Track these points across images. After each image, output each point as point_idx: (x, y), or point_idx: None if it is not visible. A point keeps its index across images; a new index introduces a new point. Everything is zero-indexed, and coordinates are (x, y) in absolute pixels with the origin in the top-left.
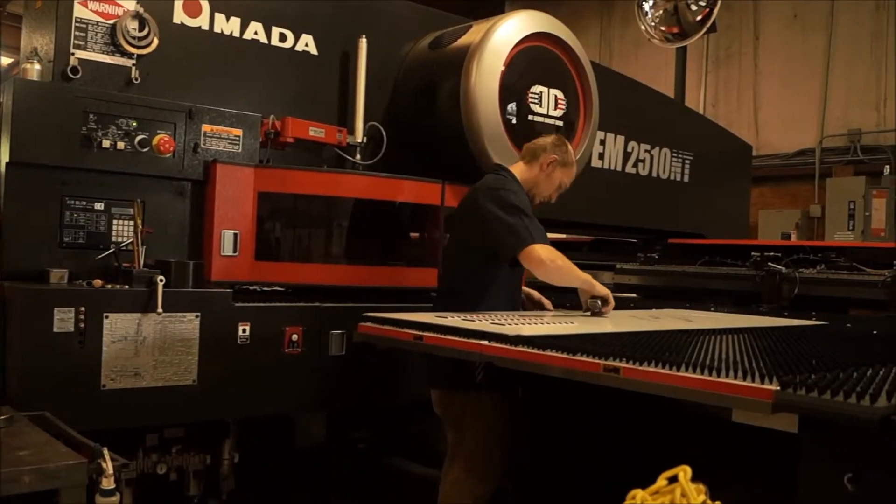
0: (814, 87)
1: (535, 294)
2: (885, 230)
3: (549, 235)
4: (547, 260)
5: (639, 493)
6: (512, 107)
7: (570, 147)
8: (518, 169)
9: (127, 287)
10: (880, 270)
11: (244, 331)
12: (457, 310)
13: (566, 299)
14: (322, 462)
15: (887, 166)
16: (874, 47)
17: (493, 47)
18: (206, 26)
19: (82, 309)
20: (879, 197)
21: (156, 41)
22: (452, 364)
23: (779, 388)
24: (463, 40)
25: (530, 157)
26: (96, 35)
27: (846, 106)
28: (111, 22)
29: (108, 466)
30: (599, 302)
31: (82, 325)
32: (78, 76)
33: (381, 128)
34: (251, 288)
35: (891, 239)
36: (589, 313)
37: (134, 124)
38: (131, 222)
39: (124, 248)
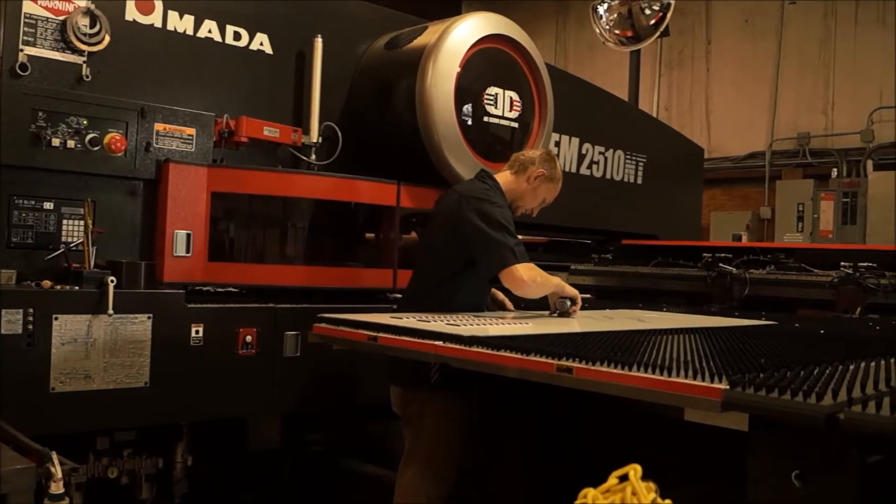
0: (764, 91)
1: (499, 295)
2: (833, 232)
3: None
4: (529, 280)
5: (590, 492)
6: (467, 108)
7: (558, 163)
8: (503, 178)
9: (77, 288)
10: (828, 271)
11: (197, 332)
12: (422, 311)
13: (530, 301)
14: (276, 464)
15: (835, 169)
16: (822, 53)
17: (448, 48)
18: (158, 24)
19: (31, 310)
20: (827, 199)
21: (107, 38)
22: (413, 362)
23: (728, 387)
24: (419, 41)
25: (518, 168)
26: (46, 31)
27: (795, 110)
28: (61, 18)
29: (57, 471)
30: (568, 302)
31: (31, 326)
32: (27, 73)
33: (337, 128)
34: (204, 289)
35: (838, 241)
36: (556, 314)
37: (84, 123)
38: (81, 222)
39: (74, 248)
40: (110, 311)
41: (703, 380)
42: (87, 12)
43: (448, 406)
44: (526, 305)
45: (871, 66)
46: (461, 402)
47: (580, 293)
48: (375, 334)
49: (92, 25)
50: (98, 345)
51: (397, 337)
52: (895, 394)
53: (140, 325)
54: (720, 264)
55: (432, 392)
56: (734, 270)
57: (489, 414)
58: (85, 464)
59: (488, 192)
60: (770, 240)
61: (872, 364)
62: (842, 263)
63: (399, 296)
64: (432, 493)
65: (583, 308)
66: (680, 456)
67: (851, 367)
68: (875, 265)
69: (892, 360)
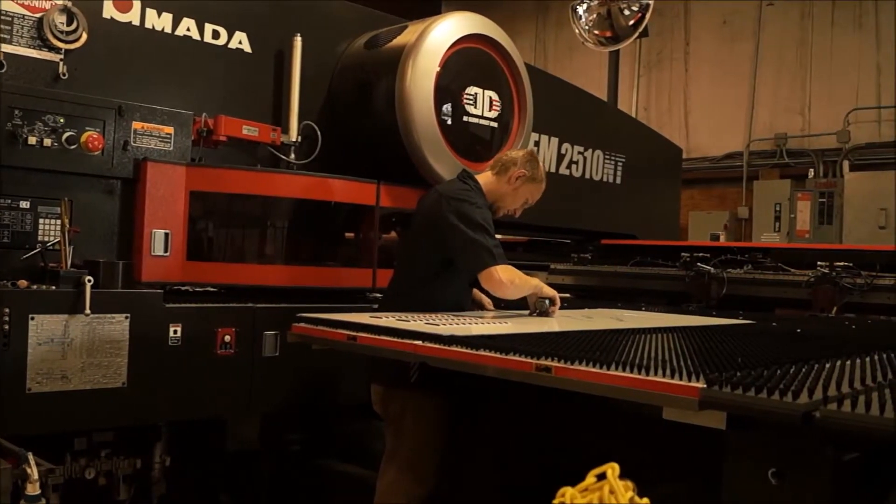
0: (742, 92)
1: (478, 295)
2: (810, 232)
3: None
4: (507, 281)
5: (568, 491)
6: (447, 107)
7: (540, 164)
8: (485, 178)
9: (54, 288)
10: (804, 271)
11: (175, 332)
12: (402, 311)
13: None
14: (255, 465)
15: (811, 170)
16: (800, 54)
17: (428, 48)
18: (137, 22)
19: (7, 310)
20: (804, 199)
21: (85, 36)
22: (394, 361)
23: (705, 385)
24: (398, 40)
25: (499, 169)
26: (22, 28)
27: (772, 111)
28: (38, 15)
29: (34, 472)
30: (547, 302)
31: (6, 326)
32: (3, 71)
33: (316, 127)
34: (183, 288)
35: (815, 240)
36: (536, 313)
37: (61, 121)
38: (58, 221)
39: (51, 247)
40: (87, 311)
41: (681, 379)
42: (64, 10)
43: (429, 405)
44: (506, 305)
45: (848, 67)
46: (442, 402)
47: (559, 293)
48: (354, 334)
49: (69, 23)
50: (75, 345)
51: (376, 336)
52: (870, 392)
53: (117, 325)
54: (698, 264)
55: (413, 391)
56: (712, 270)
57: (464, 412)
58: (62, 465)
59: (468, 193)
60: (747, 239)
61: (848, 363)
62: (818, 263)
63: (379, 295)
64: (413, 493)
65: (562, 308)
66: (658, 455)
67: (827, 365)
68: (851, 265)
69: (868, 359)
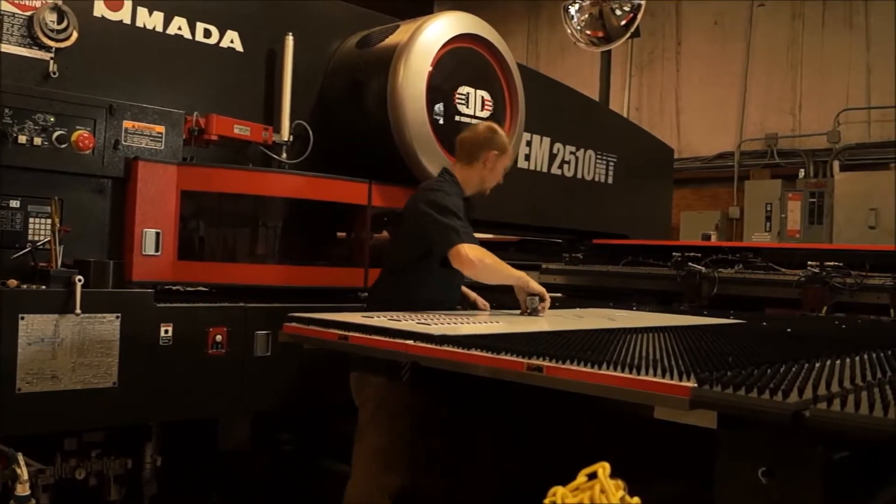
0: (733, 92)
1: (472, 294)
2: (800, 232)
3: (476, 235)
4: (475, 259)
5: (559, 490)
6: (439, 107)
7: (500, 130)
8: (459, 171)
9: (44, 287)
10: (795, 270)
11: (166, 332)
12: (392, 308)
13: (507, 300)
14: (247, 464)
15: (802, 170)
16: (790, 55)
17: (420, 48)
18: (128, 20)
19: None
20: (795, 199)
21: (75, 34)
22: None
23: (696, 385)
24: (390, 40)
25: (468, 158)
26: (12, 27)
27: (763, 111)
28: (28, 14)
29: (24, 472)
30: (537, 299)
31: None
32: None
33: (308, 126)
34: (174, 288)
35: (805, 240)
36: (528, 312)
37: (52, 120)
38: (48, 220)
39: (41, 247)
40: (78, 311)
41: (672, 378)
42: (55, 8)
43: (402, 396)
44: (499, 305)
45: (838, 67)
46: (417, 396)
47: (551, 292)
48: (346, 333)
49: (59, 21)
50: (65, 345)
51: (368, 336)
52: (860, 391)
53: (108, 325)
54: (689, 263)
55: (387, 380)
56: (703, 269)
57: (459, 411)
58: (52, 465)
59: (441, 184)
60: (738, 239)
61: (838, 362)
62: (809, 263)
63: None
64: (385, 484)
65: (553, 307)
66: (649, 454)
67: (817, 365)
68: (841, 264)
69: (857, 358)
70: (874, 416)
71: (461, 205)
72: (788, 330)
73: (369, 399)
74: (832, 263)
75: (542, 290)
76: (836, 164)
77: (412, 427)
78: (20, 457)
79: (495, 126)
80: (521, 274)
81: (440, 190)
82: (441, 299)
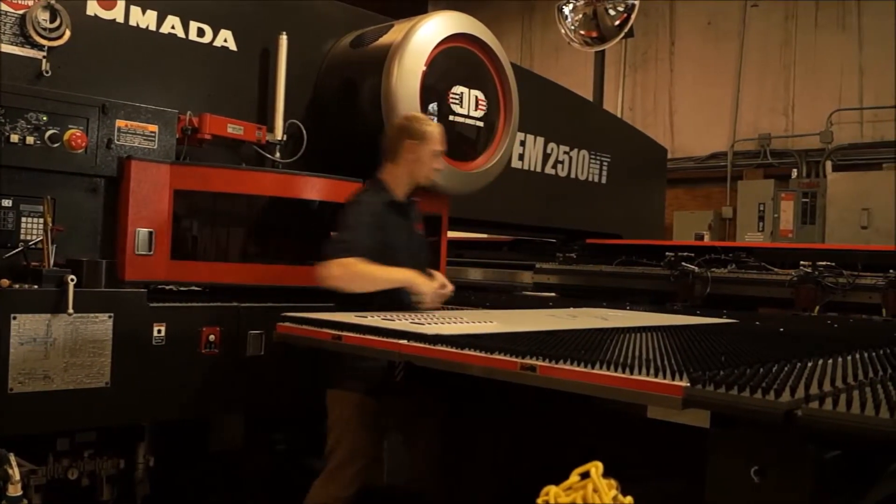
0: (726, 92)
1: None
2: (793, 231)
3: (470, 235)
4: (335, 276)
5: (552, 490)
6: (433, 107)
7: (418, 118)
8: (387, 171)
9: (36, 287)
10: (787, 270)
11: (159, 332)
12: (353, 307)
13: (487, 299)
14: (240, 465)
15: (795, 170)
16: (783, 55)
17: (414, 47)
18: (121, 19)
19: None
20: (787, 199)
21: (68, 33)
22: (333, 361)
23: (689, 384)
24: (384, 39)
25: (392, 156)
26: (5, 25)
27: (756, 111)
28: (21, 12)
29: (15, 472)
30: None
31: None
32: None
33: (302, 126)
34: (167, 288)
35: (798, 240)
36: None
37: (44, 119)
38: (41, 220)
39: (33, 246)
40: (70, 311)
41: (665, 378)
42: (47, 6)
43: (350, 405)
44: (493, 304)
45: (831, 68)
46: (369, 403)
47: (545, 291)
48: (339, 333)
49: (52, 20)
50: (58, 344)
51: (361, 336)
52: (852, 391)
53: (101, 325)
54: (683, 263)
55: (344, 392)
56: (696, 269)
57: (457, 412)
58: (44, 465)
59: (359, 195)
60: (731, 239)
61: (830, 361)
62: (801, 262)
63: None
64: (332, 495)
65: (547, 306)
66: (643, 453)
67: (809, 364)
68: (833, 264)
69: (849, 358)
70: (865, 415)
71: (369, 210)
72: (781, 329)
73: (329, 411)
74: (824, 263)
75: (429, 286)
76: (828, 164)
77: (372, 439)
78: (12, 457)
79: (412, 115)
80: (405, 277)
81: (353, 202)
82: (397, 300)
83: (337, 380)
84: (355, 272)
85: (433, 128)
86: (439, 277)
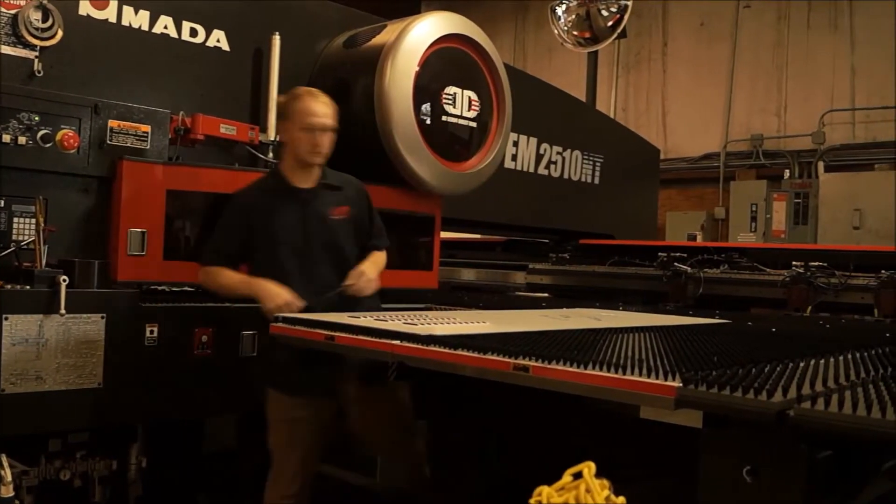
0: (719, 93)
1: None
2: (785, 232)
3: (463, 236)
4: (203, 283)
5: (545, 490)
6: (426, 107)
7: (292, 92)
8: (283, 155)
9: (28, 287)
10: (780, 271)
11: (152, 332)
12: None
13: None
14: (233, 465)
15: (787, 170)
16: (775, 56)
17: (407, 47)
18: (113, 19)
19: None
20: (780, 200)
21: (60, 33)
22: (269, 359)
23: (681, 384)
24: (377, 40)
25: (282, 138)
26: None
27: (749, 112)
28: (13, 12)
29: (7, 473)
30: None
31: None
32: None
33: None
34: (159, 288)
35: (790, 240)
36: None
37: (36, 119)
38: (33, 220)
39: (25, 246)
40: (62, 311)
41: (657, 378)
42: (40, 6)
43: (288, 408)
44: (486, 304)
45: (823, 69)
46: (301, 406)
47: (538, 292)
48: (332, 333)
49: (44, 20)
50: (50, 345)
51: (354, 336)
52: (844, 391)
53: (93, 325)
54: (675, 264)
55: (275, 393)
56: (689, 270)
57: (445, 411)
58: (36, 466)
59: (241, 188)
60: (724, 239)
61: (822, 362)
62: (793, 263)
63: None
64: (280, 493)
65: (540, 307)
66: (636, 453)
67: (802, 364)
68: (825, 265)
69: (841, 358)
70: (857, 415)
71: (235, 217)
72: (773, 330)
73: (270, 414)
74: (817, 263)
75: (278, 300)
76: (820, 164)
77: (303, 440)
78: (4, 458)
79: (290, 91)
80: (252, 290)
81: (230, 198)
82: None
83: (267, 380)
84: (212, 282)
85: (300, 101)
86: (357, 273)
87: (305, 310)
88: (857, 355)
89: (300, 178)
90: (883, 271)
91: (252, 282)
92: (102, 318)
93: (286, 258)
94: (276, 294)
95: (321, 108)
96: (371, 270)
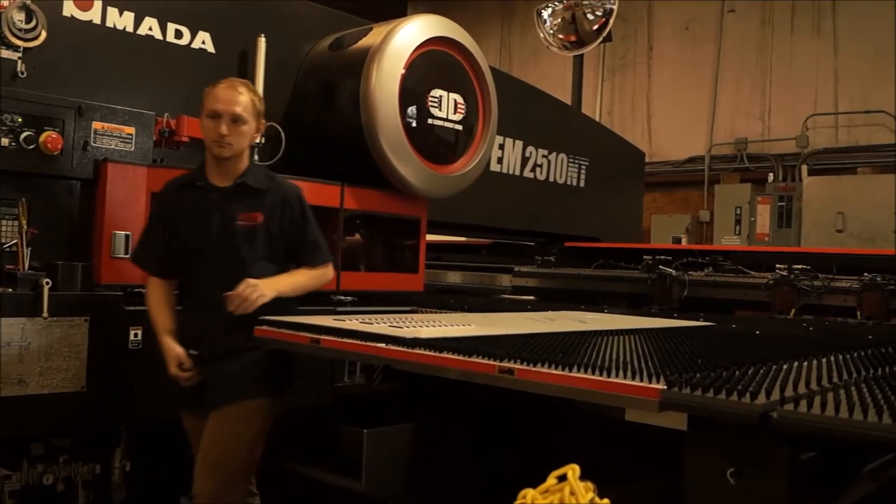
0: (703, 97)
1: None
2: (769, 235)
3: (449, 239)
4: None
5: (529, 492)
6: (412, 110)
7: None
8: None
9: (11, 290)
10: (764, 273)
11: (136, 335)
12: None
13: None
14: None
15: (771, 174)
16: (760, 61)
17: (393, 50)
18: (97, 20)
19: None
20: (764, 203)
21: (44, 34)
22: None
23: (665, 387)
24: (363, 42)
25: None
26: None
27: (733, 116)
28: None
29: None
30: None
31: None
32: None
33: (280, 128)
34: (143, 291)
35: (774, 243)
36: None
37: (19, 120)
38: (16, 223)
39: (8, 249)
40: (45, 314)
41: (642, 380)
42: (23, 7)
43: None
44: (471, 307)
45: (807, 73)
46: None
47: (524, 294)
48: (318, 336)
49: (28, 21)
50: (32, 348)
51: (339, 339)
52: (826, 393)
53: (76, 329)
54: (660, 266)
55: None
56: (674, 272)
57: (429, 413)
58: (19, 471)
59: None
60: (708, 242)
61: (805, 364)
62: (777, 266)
63: (342, 297)
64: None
65: (526, 310)
66: (621, 455)
67: (785, 366)
68: (809, 267)
69: (824, 360)
70: (840, 417)
71: (155, 215)
72: (757, 332)
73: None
74: (800, 266)
75: (173, 359)
76: (804, 168)
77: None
78: None
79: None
80: (159, 337)
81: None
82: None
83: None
84: (146, 298)
85: (211, 88)
86: (244, 284)
87: (196, 360)
88: (840, 357)
89: (216, 175)
90: (865, 274)
91: (158, 328)
92: (86, 321)
93: (193, 267)
94: (167, 355)
95: (226, 94)
96: (268, 286)
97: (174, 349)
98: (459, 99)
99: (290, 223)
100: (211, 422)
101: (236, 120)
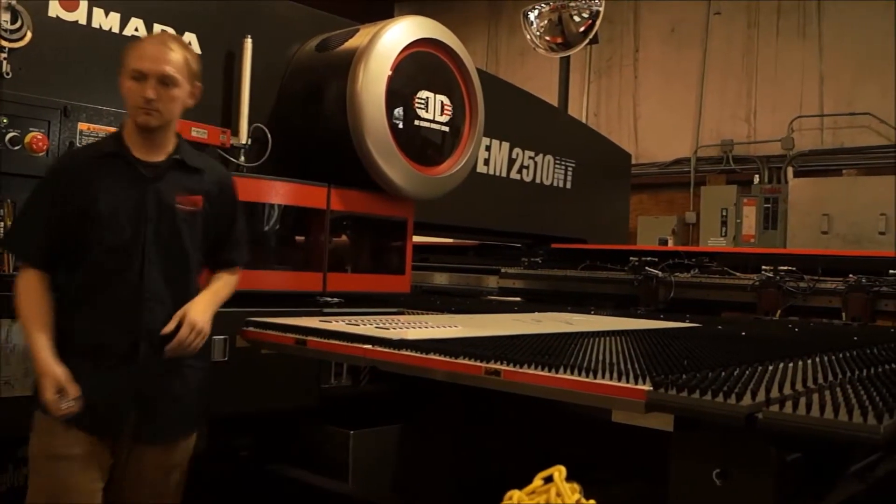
0: (689, 99)
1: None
2: (755, 236)
3: (434, 240)
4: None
5: (515, 494)
6: (398, 111)
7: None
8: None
9: None
10: (750, 275)
11: None
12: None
13: (453, 303)
14: (203, 471)
15: (757, 176)
16: (745, 63)
17: (380, 51)
18: (83, 21)
19: None
20: (750, 205)
21: (29, 35)
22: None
23: (651, 388)
24: (350, 43)
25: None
26: None
27: (719, 118)
28: None
29: None
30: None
31: None
32: None
33: (267, 130)
34: None
35: (760, 245)
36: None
37: (5, 121)
38: (1, 224)
39: None
40: None
41: (628, 382)
42: (8, 7)
43: (50, 441)
44: (459, 309)
45: (792, 75)
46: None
47: (510, 296)
48: (304, 338)
49: (13, 21)
50: (17, 350)
51: (326, 340)
52: (812, 394)
53: None
54: (646, 268)
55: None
56: (660, 274)
57: (415, 414)
58: (5, 473)
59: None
60: (695, 244)
61: (791, 365)
62: (763, 267)
63: (329, 299)
64: None
65: (513, 311)
66: (607, 456)
67: (771, 367)
68: (795, 269)
69: (810, 362)
70: (825, 417)
71: (47, 193)
72: (743, 333)
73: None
74: (786, 268)
75: (50, 388)
76: (789, 170)
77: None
78: None
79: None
80: (34, 356)
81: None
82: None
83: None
84: (17, 301)
85: (133, 44)
86: (188, 323)
87: (89, 389)
88: (826, 359)
89: (140, 148)
90: (851, 275)
91: (32, 337)
92: None
93: (104, 257)
94: (42, 375)
95: (154, 50)
96: (205, 313)
97: (54, 369)
98: (446, 100)
99: (223, 213)
100: (151, 453)
101: (166, 82)
